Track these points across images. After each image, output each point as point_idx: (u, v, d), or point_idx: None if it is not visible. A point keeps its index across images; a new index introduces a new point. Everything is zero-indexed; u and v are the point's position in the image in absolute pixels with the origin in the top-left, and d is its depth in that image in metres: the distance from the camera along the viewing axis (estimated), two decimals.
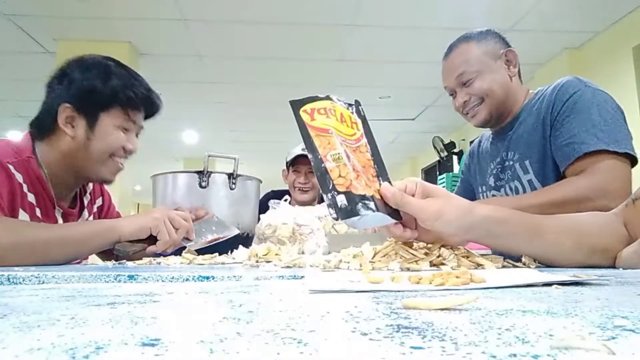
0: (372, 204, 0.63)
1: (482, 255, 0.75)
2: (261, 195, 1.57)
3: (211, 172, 1.25)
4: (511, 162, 1.23)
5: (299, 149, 2.11)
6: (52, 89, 1.06)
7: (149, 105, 1.12)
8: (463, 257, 0.69)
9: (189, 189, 1.24)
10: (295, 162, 2.11)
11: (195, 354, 0.18)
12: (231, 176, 1.26)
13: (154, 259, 0.94)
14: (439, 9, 3.35)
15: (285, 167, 2.25)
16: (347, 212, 0.61)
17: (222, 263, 0.86)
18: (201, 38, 3.74)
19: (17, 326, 0.24)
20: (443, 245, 0.70)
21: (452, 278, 0.42)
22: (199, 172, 1.24)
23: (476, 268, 0.66)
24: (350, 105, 0.76)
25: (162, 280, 0.53)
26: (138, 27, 3.57)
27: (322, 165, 0.63)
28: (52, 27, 3.56)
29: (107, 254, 1.28)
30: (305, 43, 3.85)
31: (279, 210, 1.25)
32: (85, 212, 1.21)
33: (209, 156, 1.25)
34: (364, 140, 0.73)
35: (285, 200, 1.39)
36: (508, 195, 1.24)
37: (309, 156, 0.65)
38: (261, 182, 1.39)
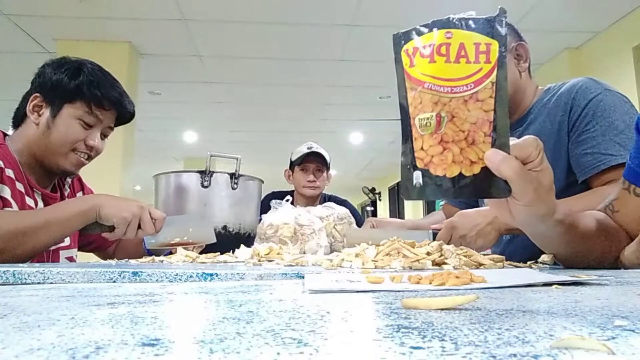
0: (450, 191, 0.53)
1: (484, 255, 0.75)
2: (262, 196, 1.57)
3: (213, 172, 1.25)
4: None
5: (305, 147, 2.16)
6: (32, 84, 1.13)
7: (119, 107, 1.15)
8: (465, 256, 0.69)
9: (191, 188, 1.24)
10: (303, 161, 2.14)
11: (195, 354, 0.18)
12: (233, 176, 1.26)
13: (157, 258, 0.94)
14: (439, 9, 3.34)
15: (288, 167, 2.26)
16: (418, 193, 0.55)
17: (225, 262, 0.87)
18: (201, 38, 3.74)
19: (17, 326, 0.24)
20: (444, 245, 0.71)
21: (452, 278, 0.42)
22: (201, 172, 1.24)
23: (477, 267, 0.66)
24: (489, 20, 0.55)
25: (166, 277, 0.54)
26: (138, 27, 3.57)
27: (409, 128, 0.56)
28: (52, 27, 3.55)
29: (106, 253, 1.29)
30: (305, 43, 3.84)
31: (281, 211, 1.25)
32: None
33: (212, 156, 1.26)
34: (493, 75, 0.54)
35: (287, 200, 1.39)
36: None
37: (401, 109, 0.56)
38: (263, 182, 1.39)
